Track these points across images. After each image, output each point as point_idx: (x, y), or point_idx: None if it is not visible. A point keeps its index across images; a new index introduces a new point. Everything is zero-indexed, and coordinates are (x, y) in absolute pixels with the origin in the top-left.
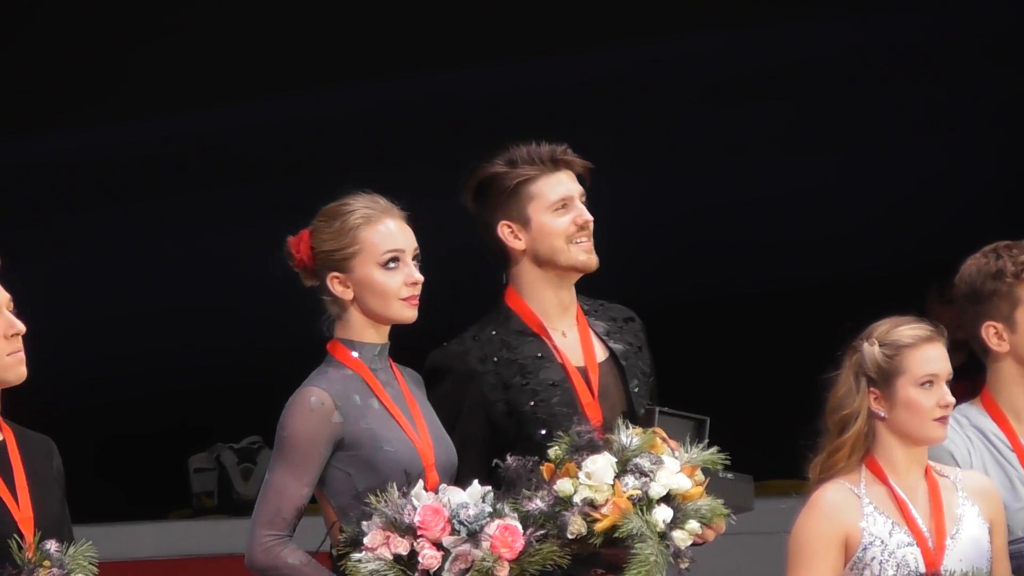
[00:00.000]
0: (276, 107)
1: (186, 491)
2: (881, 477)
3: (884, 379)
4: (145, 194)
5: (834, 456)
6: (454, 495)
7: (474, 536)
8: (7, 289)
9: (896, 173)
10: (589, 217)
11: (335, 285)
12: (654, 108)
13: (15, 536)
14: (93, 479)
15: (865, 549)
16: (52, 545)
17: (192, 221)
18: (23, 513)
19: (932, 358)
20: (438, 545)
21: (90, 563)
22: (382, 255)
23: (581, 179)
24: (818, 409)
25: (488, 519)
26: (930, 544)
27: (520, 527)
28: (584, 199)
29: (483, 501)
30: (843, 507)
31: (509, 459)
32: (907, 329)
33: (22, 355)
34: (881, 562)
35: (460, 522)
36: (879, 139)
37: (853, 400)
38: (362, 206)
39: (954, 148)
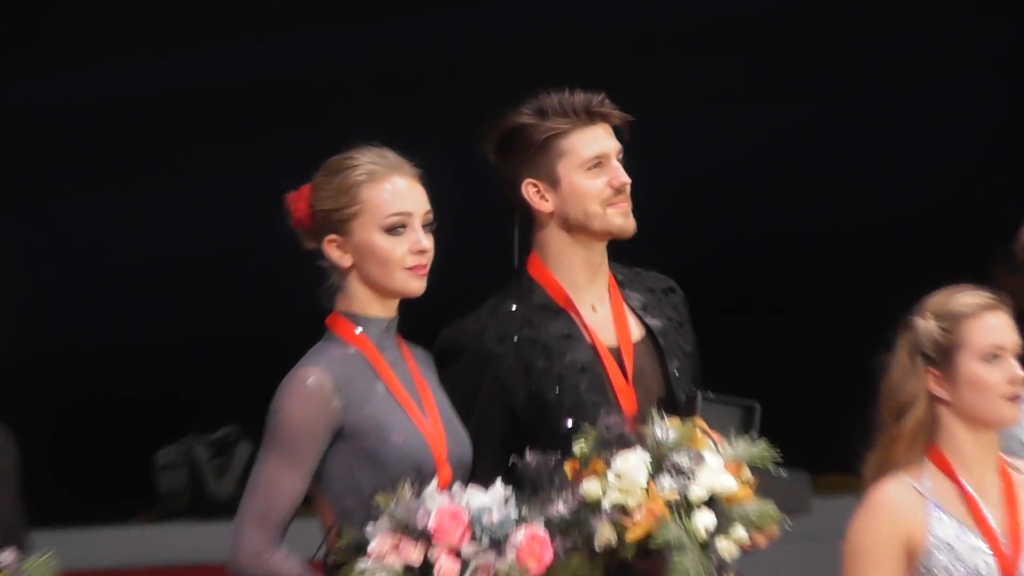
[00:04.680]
0: (267, 52)
1: (152, 491)
2: (947, 471)
3: (943, 356)
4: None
5: (892, 449)
6: (474, 497)
7: (498, 545)
8: None
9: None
10: (626, 179)
11: (332, 250)
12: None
13: None
14: (47, 476)
15: (930, 555)
16: (8, 556)
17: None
18: None
19: (995, 327)
20: (456, 553)
21: (53, 575)
22: (386, 218)
23: (619, 134)
24: (873, 396)
25: (514, 526)
26: (1005, 548)
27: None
28: (621, 157)
29: (506, 505)
30: (904, 507)
31: (529, 456)
32: (964, 298)
33: None
34: (949, 569)
35: (482, 529)
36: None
37: (910, 383)
38: (367, 161)
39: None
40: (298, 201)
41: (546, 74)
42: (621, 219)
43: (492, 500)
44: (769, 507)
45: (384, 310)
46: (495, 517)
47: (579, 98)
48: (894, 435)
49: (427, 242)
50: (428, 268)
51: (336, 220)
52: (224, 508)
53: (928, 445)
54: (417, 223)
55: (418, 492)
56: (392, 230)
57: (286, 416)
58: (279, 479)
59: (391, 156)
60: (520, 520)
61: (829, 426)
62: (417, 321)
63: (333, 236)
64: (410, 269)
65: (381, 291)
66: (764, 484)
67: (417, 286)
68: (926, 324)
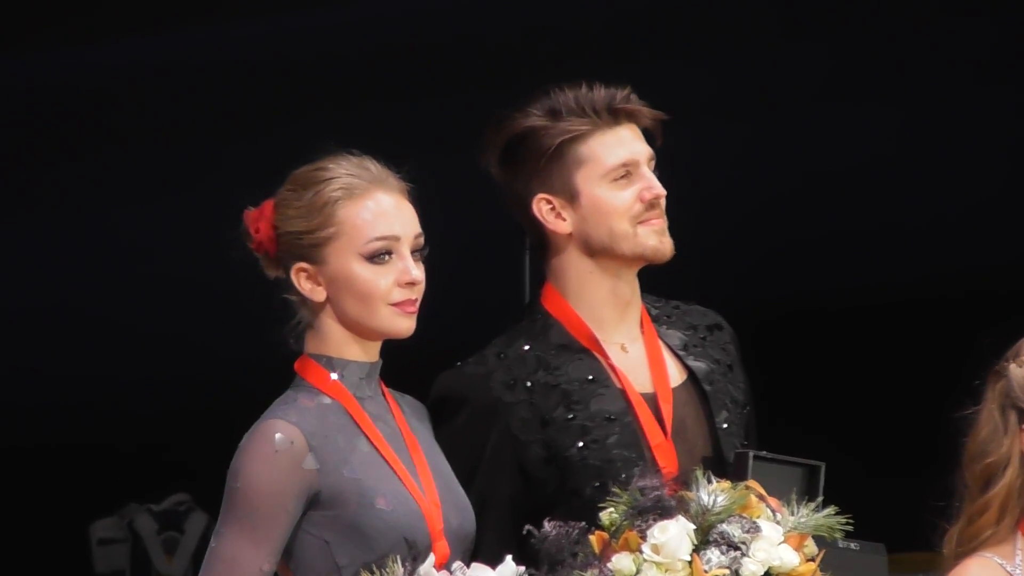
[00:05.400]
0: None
1: (88, 571)
2: None
3: None
4: None
5: (977, 521)
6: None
7: None
8: None
9: None
10: (661, 190)
11: (301, 280)
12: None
13: None
14: None
15: None
16: None
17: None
18: None
19: None
20: None
21: None
22: (367, 243)
23: (650, 136)
24: (955, 457)
25: None
26: None
27: None
28: (654, 164)
29: None
30: None
31: (546, 525)
32: None
33: None
34: None
35: None
36: None
37: (1000, 443)
38: (345, 173)
39: None
40: (259, 220)
41: (560, 66)
42: (655, 239)
43: None
44: None
45: (365, 353)
46: None
47: (600, 93)
48: (980, 505)
49: (417, 272)
50: (418, 304)
51: (306, 245)
52: None
53: (1021, 516)
54: (405, 249)
55: (410, 571)
56: (375, 257)
57: (249, 480)
58: (240, 556)
59: (374, 167)
60: None
61: (903, 493)
62: (405, 367)
63: (303, 264)
64: (397, 305)
65: (361, 331)
66: (831, 559)
67: (405, 325)
68: (1020, 372)
